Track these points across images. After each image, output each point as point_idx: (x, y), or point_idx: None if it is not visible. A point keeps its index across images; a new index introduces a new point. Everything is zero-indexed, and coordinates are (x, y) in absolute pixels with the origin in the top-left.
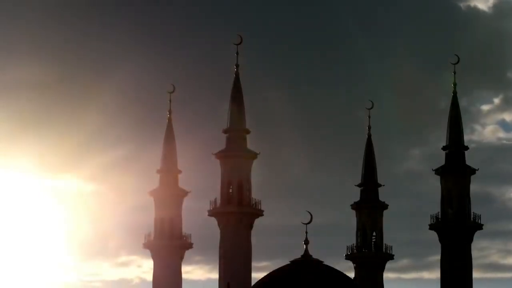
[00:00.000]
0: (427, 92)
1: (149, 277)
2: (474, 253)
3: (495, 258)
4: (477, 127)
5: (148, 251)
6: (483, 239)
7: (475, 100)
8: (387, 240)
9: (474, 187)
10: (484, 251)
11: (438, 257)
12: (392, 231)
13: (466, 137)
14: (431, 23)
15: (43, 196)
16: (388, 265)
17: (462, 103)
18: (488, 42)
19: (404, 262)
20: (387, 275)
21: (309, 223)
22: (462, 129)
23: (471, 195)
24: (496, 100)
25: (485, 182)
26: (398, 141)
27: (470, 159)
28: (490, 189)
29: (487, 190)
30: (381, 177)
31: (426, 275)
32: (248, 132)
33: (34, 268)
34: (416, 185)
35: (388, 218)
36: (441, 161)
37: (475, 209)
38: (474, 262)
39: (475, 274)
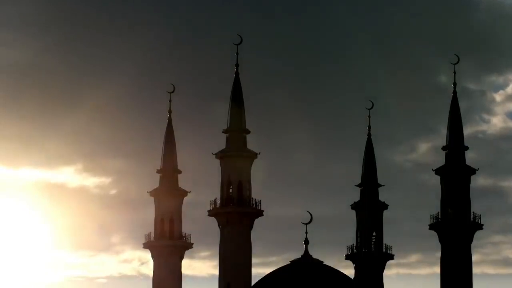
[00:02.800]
0: (427, 92)
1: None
2: (488, 249)
3: (509, 253)
4: (487, 117)
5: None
6: (496, 233)
7: (486, 88)
8: (387, 240)
9: (485, 180)
10: (498, 246)
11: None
12: (392, 231)
13: (475, 128)
14: (435, 12)
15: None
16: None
17: (472, 90)
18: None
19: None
20: (398, 271)
21: (309, 223)
22: (462, 129)
23: (482, 189)
24: (509, 89)
25: (497, 175)
26: (398, 140)
27: (480, 150)
28: (502, 182)
29: (499, 184)
30: (381, 177)
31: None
32: (248, 132)
33: (38, 264)
34: (416, 185)
35: (388, 218)
36: (441, 161)
37: (486, 203)
38: (488, 258)
39: (489, 270)
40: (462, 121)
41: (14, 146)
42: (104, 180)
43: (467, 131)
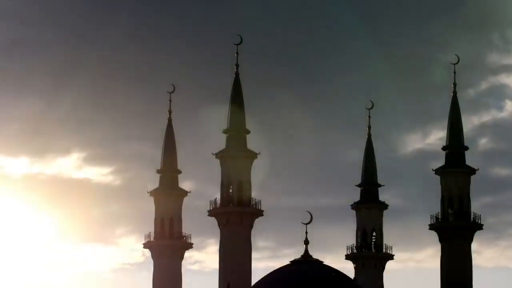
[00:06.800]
0: (427, 91)
1: None
2: (504, 242)
3: None
4: (503, 104)
5: None
6: None
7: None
8: (387, 240)
9: (501, 170)
10: None
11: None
12: (392, 231)
13: (490, 115)
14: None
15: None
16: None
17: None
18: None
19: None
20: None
21: (309, 223)
22: (462, 128)
23: (497, 180)
24: None
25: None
26: (398, 140)
27: (493, 139)
28: None
29: None
30: (381, 177)
31: None
32: (248, 132)
33: (39, 261)
34: (416, 185)
35: (388, 218)
36: (441, 161)
37: (503, 193)
38: (504, 252)
39: (508, 264)
40: (477, 106)
41: (14, 135)
42: (106, 173)
43: (482, 118)
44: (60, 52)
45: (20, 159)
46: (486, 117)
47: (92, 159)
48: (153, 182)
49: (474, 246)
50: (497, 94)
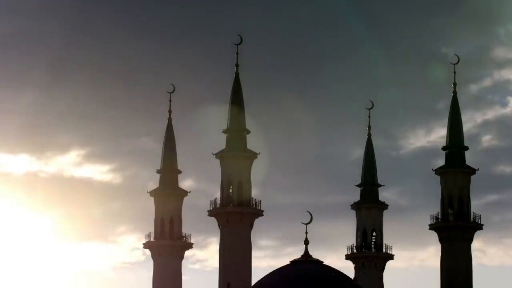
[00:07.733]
0: (427, 91)
1: None
2: (508, 240)
3: None
4: (506, 101)
5: None
6: None
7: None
8: (387, 240)
9: (506, 167)
10: None
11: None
12: (392, 231)
13: (494, 111)
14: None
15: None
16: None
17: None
18: None
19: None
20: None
21: (309, 223)
22: (462, 129)
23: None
24: None
25: None
26: (399, 140)
27: (497, 136)
28: None
29: None
30: (381, 176)
31: None
32: (248, 132)
33: (40, 259)
34: (416, 185)
35: (388, 218)
36: (441, 161)
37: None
38: (509, 250)
39: None
40: (480, 103)
41: (14, 133)
42: (106, 171)
43: (486, 114)
44: (60, 49)
45: (20, 157)
46: (490, 113)
47: (92, 157)
48: (153, 181)
49: (478, 244)
50: (501, 90)
